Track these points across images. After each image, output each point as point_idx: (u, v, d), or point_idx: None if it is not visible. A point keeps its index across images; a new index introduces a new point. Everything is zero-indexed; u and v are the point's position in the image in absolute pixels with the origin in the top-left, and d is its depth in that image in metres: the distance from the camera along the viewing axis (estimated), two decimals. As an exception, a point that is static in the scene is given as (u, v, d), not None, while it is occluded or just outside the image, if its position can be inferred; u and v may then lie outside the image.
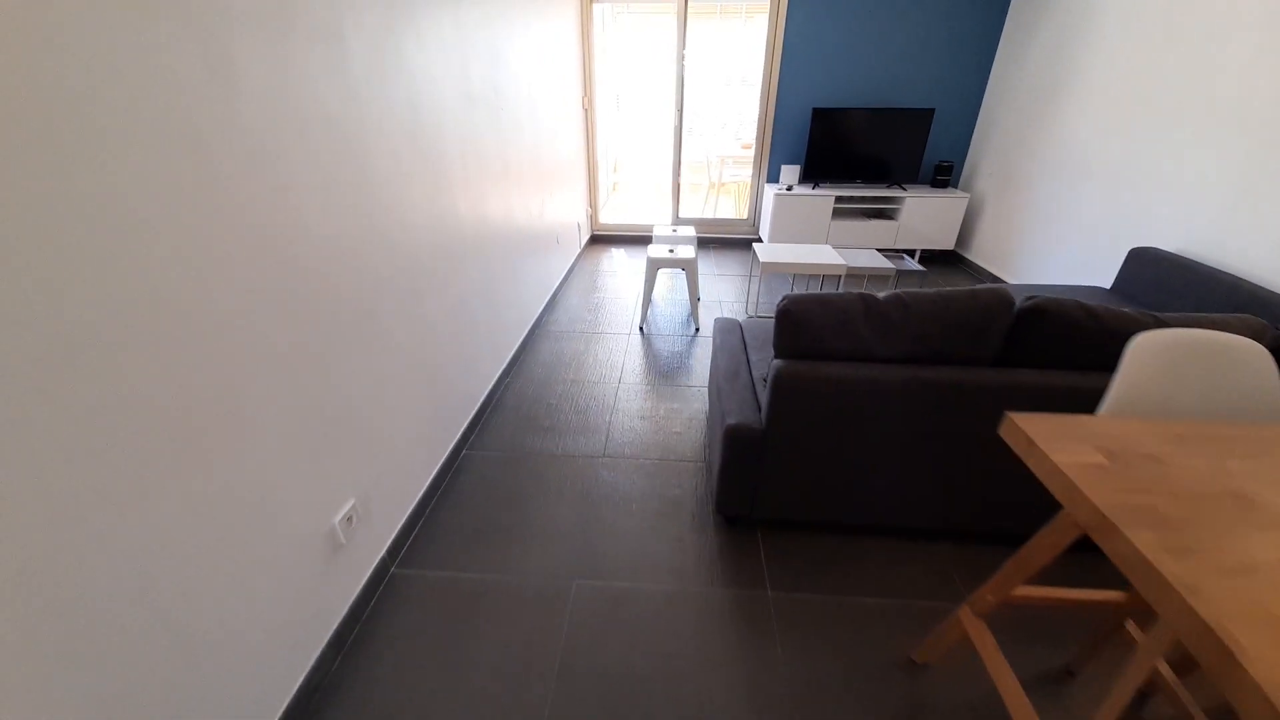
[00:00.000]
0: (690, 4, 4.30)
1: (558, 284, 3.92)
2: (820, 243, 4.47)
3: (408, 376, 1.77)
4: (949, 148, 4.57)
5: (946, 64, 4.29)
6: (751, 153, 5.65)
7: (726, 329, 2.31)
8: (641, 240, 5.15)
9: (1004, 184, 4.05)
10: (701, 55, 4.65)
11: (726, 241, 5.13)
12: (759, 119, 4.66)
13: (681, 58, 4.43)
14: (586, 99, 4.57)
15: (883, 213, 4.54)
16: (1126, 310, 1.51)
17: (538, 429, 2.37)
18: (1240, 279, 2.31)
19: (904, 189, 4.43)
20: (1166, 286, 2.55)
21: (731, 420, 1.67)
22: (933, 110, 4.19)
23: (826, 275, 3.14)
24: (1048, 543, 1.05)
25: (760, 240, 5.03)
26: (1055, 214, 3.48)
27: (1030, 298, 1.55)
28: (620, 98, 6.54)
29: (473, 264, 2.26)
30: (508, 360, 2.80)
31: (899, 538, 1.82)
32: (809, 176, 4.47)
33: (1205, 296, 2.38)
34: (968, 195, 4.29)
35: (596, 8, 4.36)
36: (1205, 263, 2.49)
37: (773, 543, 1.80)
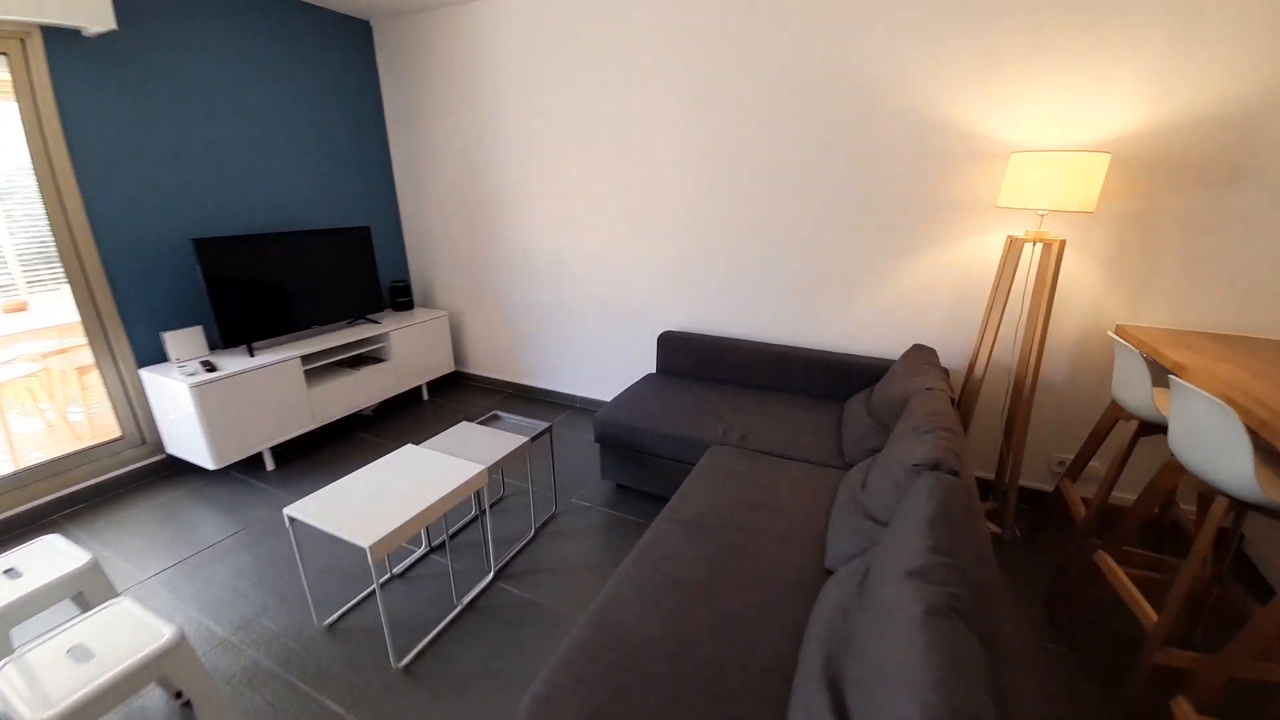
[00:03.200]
0: None
1: None
2: (304, 420, 2.93)
3: None
4: (392, 267, 3.91)
5: (353, 178, 3.53)
6: (28, 317, 3.05)
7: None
8: None
9: (475, 294, 3.80)
10: None
11: (101, 491, 2.59)
12: (70, 270, 2.45)
13: None
14: None
15: (368, 357, 3.42)
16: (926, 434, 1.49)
17: None
18: (735, 339, 2.94)
19: (376, 321, 3.46)
20: (696, 358, 2.98)
21: None
22: (368, 228, 3.37)
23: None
24: None
25: (172, 457, 2.82)
26: (556, 313, 3.52)
27: (918, 467, 1.28)
28: None
29: None
30: None
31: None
32: (234, 339, 2.76)
33: (722, 358, 2.90)
34: (446, 312, 3.80)
35: None
36: (711, 334, 3.06)
37: None
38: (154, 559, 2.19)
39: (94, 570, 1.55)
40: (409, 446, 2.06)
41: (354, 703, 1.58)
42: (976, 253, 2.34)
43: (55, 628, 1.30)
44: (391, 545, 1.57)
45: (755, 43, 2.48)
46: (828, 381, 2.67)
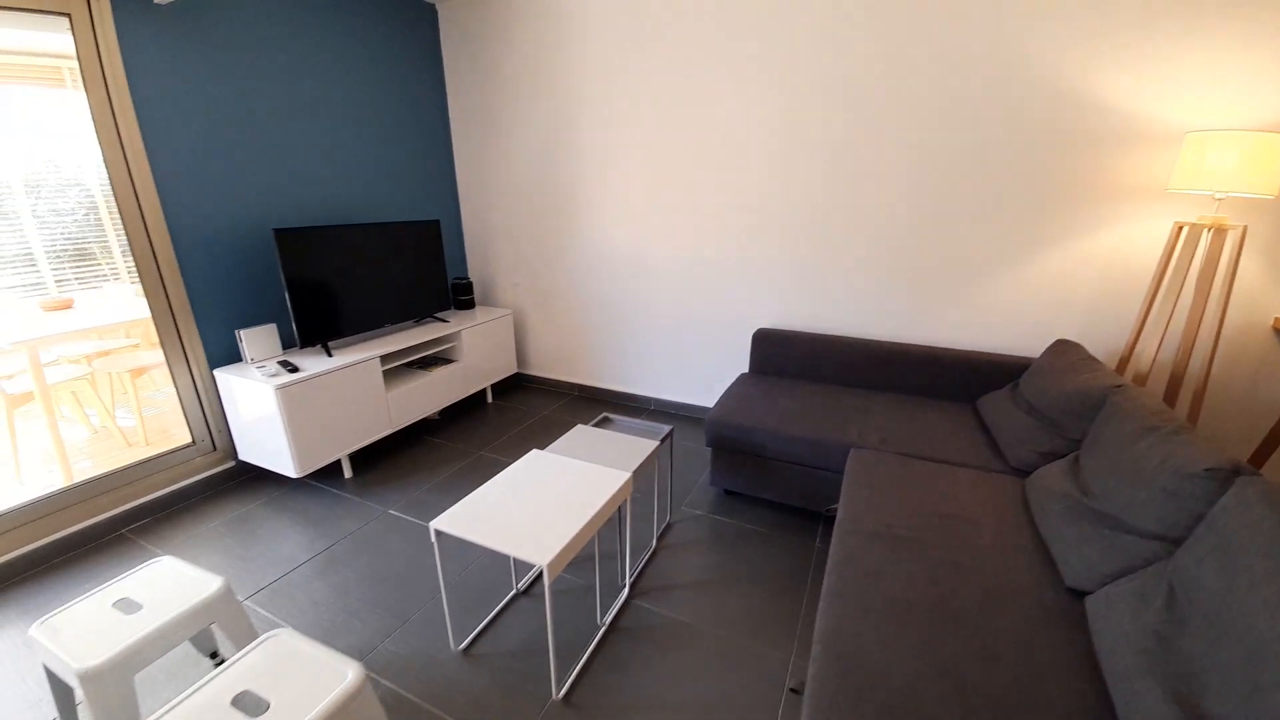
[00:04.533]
0: None
1: None
2: (382, 424, 2.74)
3: None
4: (453, 263, 3.73)
5: (415, 170, 3.36)
6: (71, 315, 2.86)
7: None
8: None
9: (540, 292, 3.63)
10: None
11: (171, 502, 2.39)
12: (143, 264, 2.26)
13: None
14: None
15: (439, 358, 3.24)
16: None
17: None
18: (839, 336, 2.77)
19: (445, 320, 3.28)
20: (796, 357, 2.82)
21: None
22: (438, 222, 3.19)
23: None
24: None
25: (242, 464, 2.63)
26: (631, 311, 3.35)
27: (1213, 471, 1.13)
28: None
29: None
30: None
31: None
32: (311, 337, 2.58)
33: (826, 356, 2.74)
34: (510, 310, 3.62)
35: None
36: (810, 330, 2.90)
37: None
38: (246, 578, 2.00)
39: (226, 598, 1.36)
40: (535, 452, 1.89)
41: (520, 742, 1.41)
42: (1124, 241, 2.19)
43: (208, 676, 1.12)
44: (565, 561, 1.40)
45: (870, 17, 2.33)
46: (950, 380, 2.51)
